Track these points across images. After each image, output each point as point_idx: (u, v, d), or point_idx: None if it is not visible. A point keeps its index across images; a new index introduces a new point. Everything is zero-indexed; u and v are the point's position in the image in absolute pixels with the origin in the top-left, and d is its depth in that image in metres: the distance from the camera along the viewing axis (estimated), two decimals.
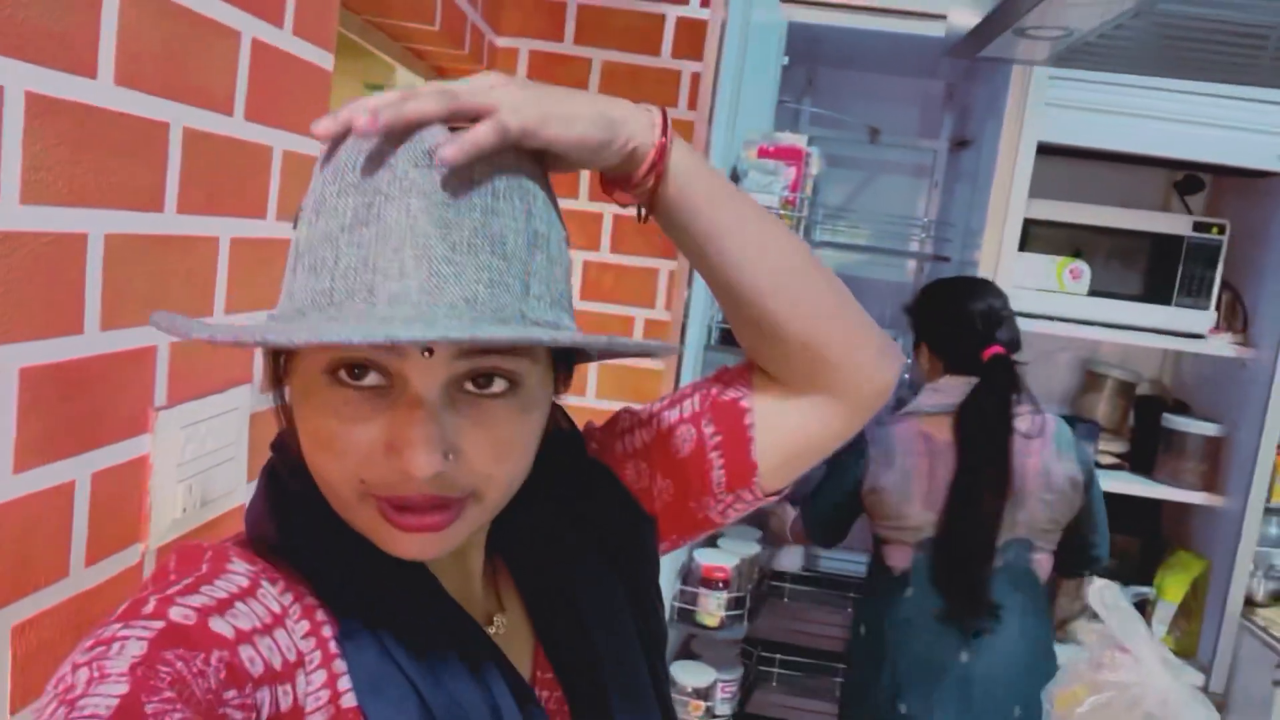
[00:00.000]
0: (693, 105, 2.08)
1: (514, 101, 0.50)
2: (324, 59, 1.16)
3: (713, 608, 1.82)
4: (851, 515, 1.87)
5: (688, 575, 1.89)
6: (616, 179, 0.59)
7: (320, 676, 0.49)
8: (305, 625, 0.51)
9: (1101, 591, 0.89)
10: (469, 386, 0.51)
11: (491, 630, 0.58)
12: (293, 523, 0.54)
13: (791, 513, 2.02)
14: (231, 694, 0.44)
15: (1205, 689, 2.22)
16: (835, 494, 1.84)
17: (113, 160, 0.77)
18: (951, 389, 1.76)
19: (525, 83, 0.52)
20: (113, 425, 0.81)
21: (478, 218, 0.49)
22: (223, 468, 1.02)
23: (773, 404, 0.66)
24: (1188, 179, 2.47)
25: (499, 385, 0.51)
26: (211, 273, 0.95)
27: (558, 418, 0.64)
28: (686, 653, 1.98)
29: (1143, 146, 2.13)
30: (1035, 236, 2.21)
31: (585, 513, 0.64)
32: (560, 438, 0.64)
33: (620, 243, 2.53)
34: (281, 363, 0.56)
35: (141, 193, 0.81)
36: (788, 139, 1.72)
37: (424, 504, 0.50)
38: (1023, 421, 1.72)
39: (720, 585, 1.82)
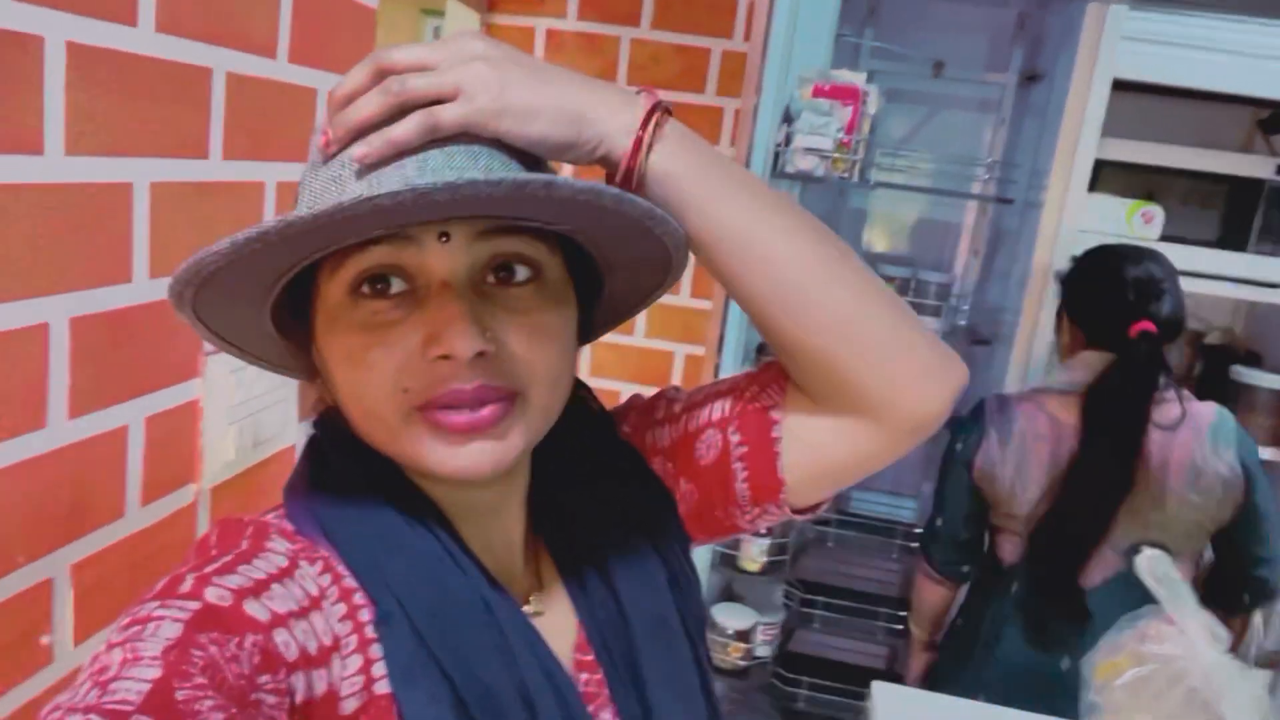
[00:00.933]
0: (748, 37, 2.01)
1: (475, 86, 0.47)
2: None
3: (755, 554, 1.82)
4: (980, 512, 1.62)
5: None
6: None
7: (356, 661, 0.49)
8: (342, 608, 0.50)
9: (1151, 561, 0.87)
10: (491, 280, 0.51)
11: (529, 609, 0.58)
12: (332, 501, 0.54)
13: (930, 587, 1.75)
14: (265, 679, 0.44)
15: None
16: (956, 490, 1.62)
17: (156, 108, 0.77)
18: (1086, 366, 1.55)
19: (504, 59, 0.49)
20: (164, 371, 0.83)
21: (476, 142, 0.49)
22: (272, 410, 1.04)
23: (802, 418, 0.60)
24: (1273, 116, 2.33)
25: (522, 274, 0.51)
26: (258, 217, 0.95)
27: (587, 398, 0.64)
28: (729, 594, 1.99)
29: (1226, 84, 2.00)
30: (1106, 178, 2.10)
31: (620, 494, 0.62)
32: (590, 418, 0.64)
33: None
34: (305, 338, 0.55)
35: (186, 140, 0.82)
36: (845, 77, 1.65)
37: (473, 397, 0.49)
38: (1164, 410, 1.48)
39: (763, 531, 1.82)
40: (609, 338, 2.09)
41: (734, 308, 1.81)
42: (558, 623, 0.59)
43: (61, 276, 0.69)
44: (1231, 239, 2.13)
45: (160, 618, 0.44)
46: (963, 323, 2.31)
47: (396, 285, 0.50)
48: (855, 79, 1.66)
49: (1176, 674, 0.79)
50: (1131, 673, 0.79)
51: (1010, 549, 1.59)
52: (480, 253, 0.50)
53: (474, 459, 0.50)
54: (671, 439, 0.65)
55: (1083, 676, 0.88)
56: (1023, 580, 1.56)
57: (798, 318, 0.55)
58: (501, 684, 0.51)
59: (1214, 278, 2.12)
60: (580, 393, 0.62)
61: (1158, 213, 2.13)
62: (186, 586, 0.46)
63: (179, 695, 0.40)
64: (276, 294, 0.53)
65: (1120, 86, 1.99)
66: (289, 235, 0.45)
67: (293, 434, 1.09)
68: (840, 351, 0.55)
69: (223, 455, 0.94)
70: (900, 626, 2.35)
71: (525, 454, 0.55)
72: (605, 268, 0.58)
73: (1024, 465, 1.54)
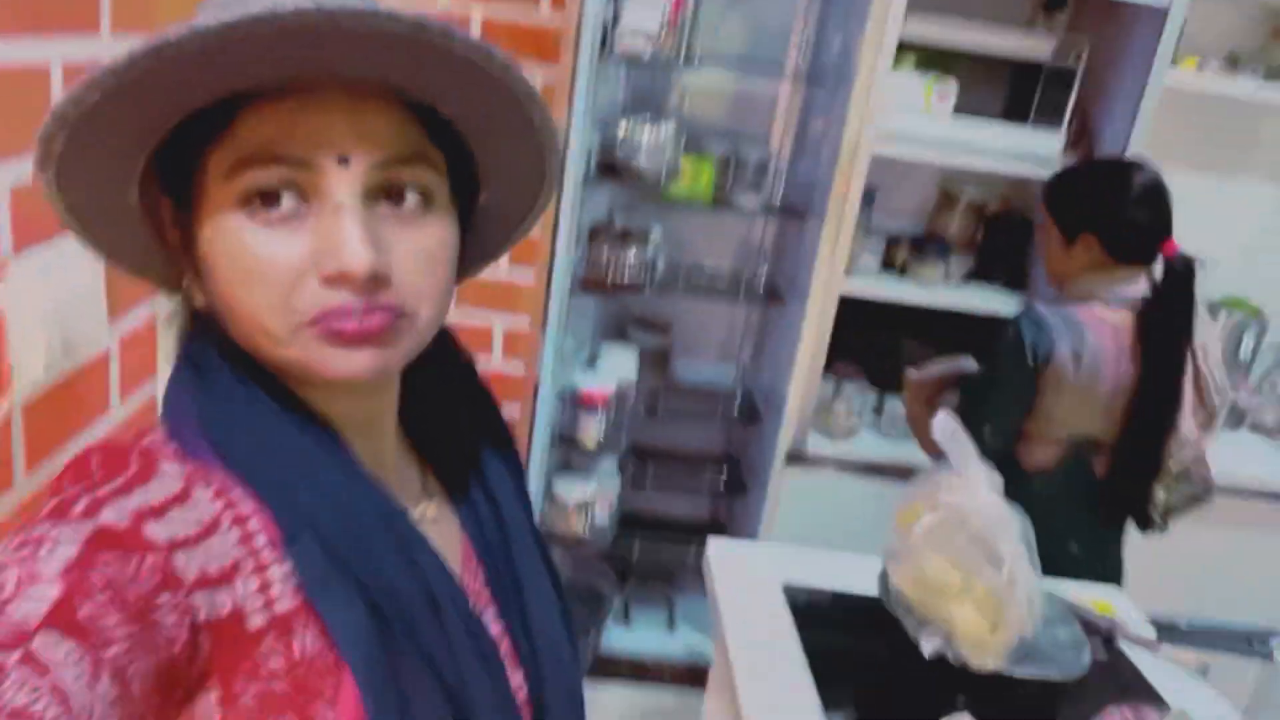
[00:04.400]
0: None
1: None
2: None
3: (592, 430, 1.89)
4: (1029, 402, 1.62)
5: (567, 398, 1.94)
6: None
7: (254, 583, 0.50)
8: (237, 533, 0.50)
9: (943, 421, 1.00)
10: (383, 205, 0.51)
11: (419, 514, 0.61)
12: (223, 421, 0.53)
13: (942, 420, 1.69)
14: (164, 597, 0.44)
15: None
16: (1019, 381, 1.60)
17: None
18: (1132, 282, 1.59)
19: None
20: None
21: None
22: (82, 313, 0.97)
23: None
24: None
25: (412, 200, 0.52)
26: (43, 108, 0.86)
27: (454, 336, 0.66)
28: (568, 467, 2.07)
29: None
30: (903, 56, 2.22)
31: (485, 419, 0.67)
32: (454, 351, 0.66)
33: None
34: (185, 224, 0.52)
35: None
36: None
37: (363, 310, 0.50)
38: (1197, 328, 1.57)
39: (600, 408, 1.88)
40: None
41: (557, 280, 1.76)
42: (446, 531, 0.62)
43: None
44: (1014, 114, 2.32)
45: (55, 538, 0.43)
46: (778, 200, 2.41)
47: (288, 202, 0.49)
48: None
49: (962, 519, 0.92)
50: (927, 518, 0.93)
51: (1041, 454, 1.64)
52: (376, 179, 0.50)
53: (361, 363, 0.51)
54: None
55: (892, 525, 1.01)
56: (1053, 483, 1.64)
57: None
58: (408, 589, 0.53)
59: (997, 153, 2.31)
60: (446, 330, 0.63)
61: (952, 90, 2.28)
62: (80, 507, 0.45)
63: (82, 612, 0.40)
64: (147, 164, 0.50)
65: None
66: (182, 54, 0.43)
67: (105, 339, 1.03)
68: None
69: (34, 368, 0.88)
70: (725, 479, 2.54)
71: (401, 365, 0.56)
72: (483, 176, 0.59)
73: (1096, 363, 1.56)
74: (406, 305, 0.52)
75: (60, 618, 0.40)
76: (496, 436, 0.68)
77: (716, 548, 1.37)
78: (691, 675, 2.38)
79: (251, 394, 0.53)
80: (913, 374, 1.82)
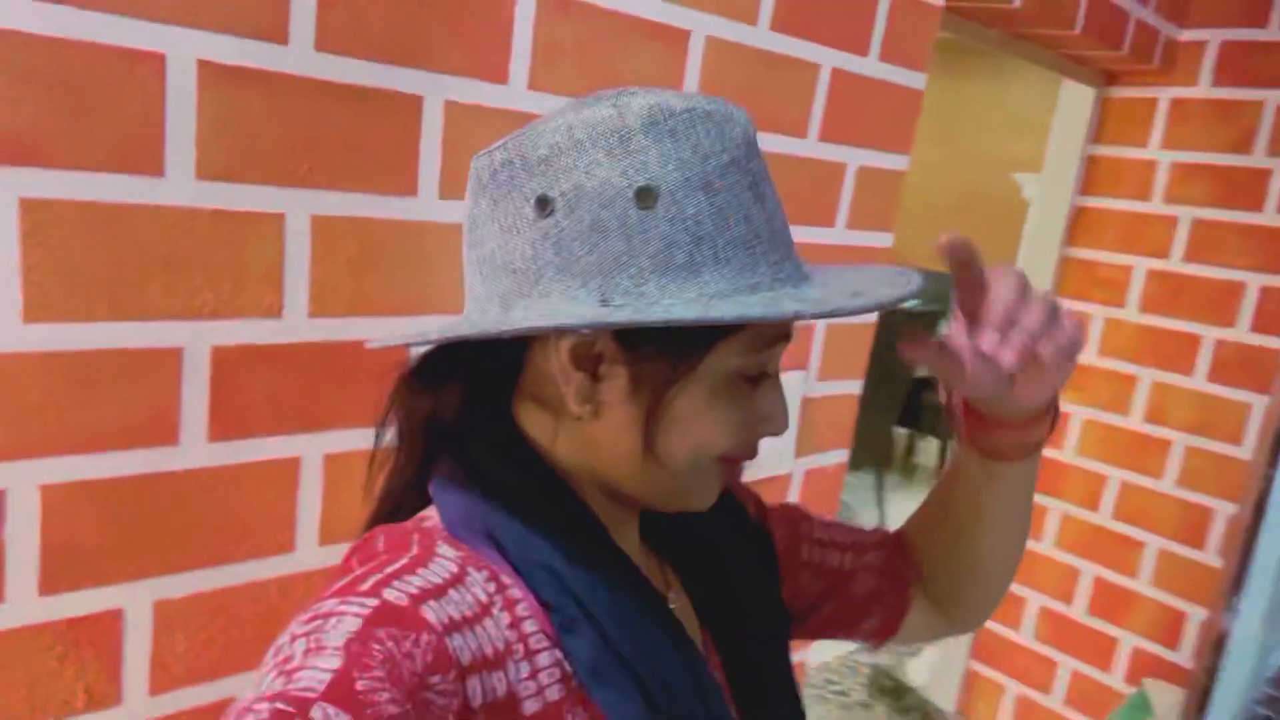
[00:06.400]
0: None
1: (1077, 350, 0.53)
2: (915, 80, 1.22)
3: None
4: None
5: None
6: (999, 419, 0.60)
7: (525, 668, 0.50)
8: (507, 617, 0.51)
9: None
10: None
11: (670, 605, 0.60)
12: (498, 510, 0.55)
13: None
14: (436, 679, 0.45)
15: None
16: None
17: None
18: None
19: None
20: None
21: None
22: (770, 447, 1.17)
23: (923, 600, 0.77)
24: None
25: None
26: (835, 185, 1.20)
27: None
28: None
29: None
30: None
31: (726, 515, 0.67)
32: None
33: (1199, 249, 2.13)
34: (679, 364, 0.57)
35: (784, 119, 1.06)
36: None
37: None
38: None
39: None
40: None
41: None
42: (688, 620, 0.62)
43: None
44: None
45: (342, 613, 0.45)
46: None
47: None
48: None
49: None
50: None
51: None
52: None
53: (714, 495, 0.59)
54: (834, 564, 0.75)
55: None
56: None
57: (995, 560, 0.73)
58: (680, 681, 0.54)
59: None
60: None
61: None
62: (367, 585, 0.48)
63: (359, 685, 0.41)
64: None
65: None
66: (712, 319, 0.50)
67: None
68: (1001, 582, 0.75)
69: None
70: None
71: None
72: None
73: None
74: None
75: (338, 690, 0.40)
76: (731, 512, 0.67)
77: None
78: None
79: (526, 488, 0.56)
80: None
